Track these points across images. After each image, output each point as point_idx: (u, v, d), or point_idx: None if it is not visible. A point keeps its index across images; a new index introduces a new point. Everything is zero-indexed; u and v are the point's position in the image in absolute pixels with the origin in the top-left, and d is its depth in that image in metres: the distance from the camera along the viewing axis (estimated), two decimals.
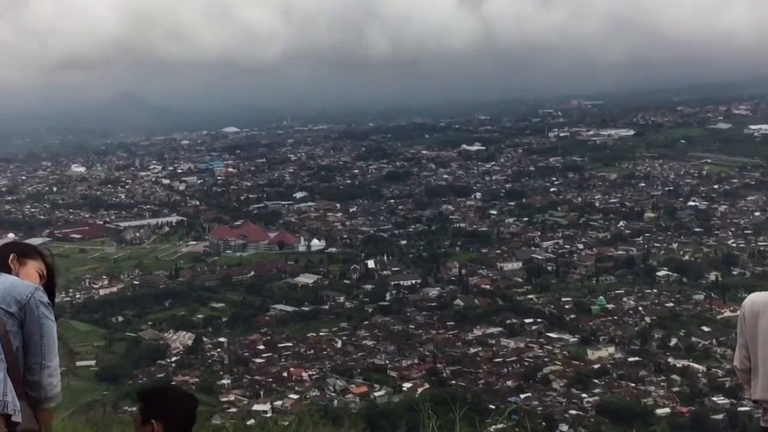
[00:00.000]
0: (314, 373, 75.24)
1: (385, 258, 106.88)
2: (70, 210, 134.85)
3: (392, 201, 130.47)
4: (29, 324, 6.06)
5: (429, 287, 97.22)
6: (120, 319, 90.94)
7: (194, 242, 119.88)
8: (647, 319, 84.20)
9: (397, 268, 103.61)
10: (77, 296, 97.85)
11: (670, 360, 74.40)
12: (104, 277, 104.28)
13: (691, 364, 72.79)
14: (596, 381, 70.54)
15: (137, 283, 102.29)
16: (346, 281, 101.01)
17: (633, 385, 69.57)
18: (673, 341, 78.28)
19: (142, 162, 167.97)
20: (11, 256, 6.50)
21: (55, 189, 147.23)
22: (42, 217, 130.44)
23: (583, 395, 67.35)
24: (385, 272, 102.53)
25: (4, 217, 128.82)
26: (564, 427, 61.30)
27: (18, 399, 5.90)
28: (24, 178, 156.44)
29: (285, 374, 74.54)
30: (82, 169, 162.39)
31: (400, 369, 75.40)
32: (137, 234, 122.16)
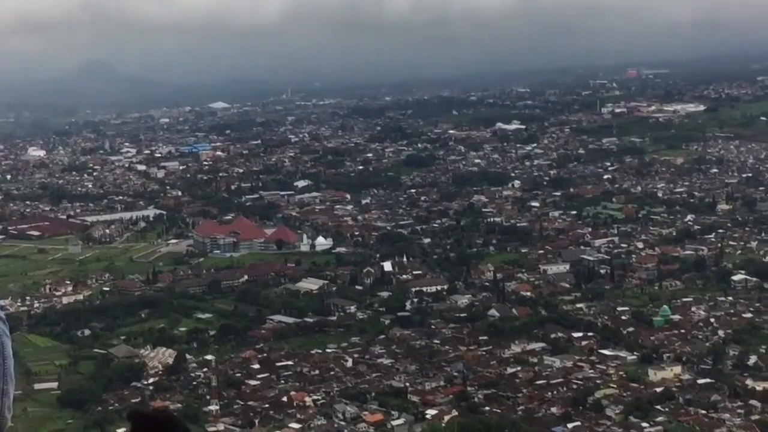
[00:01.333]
0: (320, 397, 75.28)
1: (405, 259, 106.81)
2: (27, 202, 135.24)
3: (413, 191, 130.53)
4: None
5: (458, 294, 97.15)
6: (87, 332, 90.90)
7: (175, 240, 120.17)
8: (721, 332, 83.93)
9: (420, 272, 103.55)
10: (35, 305, 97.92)
11: (749, 382, 73.96)
12: (68, 282, 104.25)
13: None
14: (659, 407, 70.30)
15: (107, 289, 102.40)
16: (357, 287, 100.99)
17: (704, 412, 69.24)
18: (752, 360, 77.86)
19: (112, 144, 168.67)
20: None
21: (8, 177, 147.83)
22: None
23: (644, 424, 67.20)
24: (404, 276, 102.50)
25: None
26: None
27: None
28: None
29: (285, 399, 74.56)
30: (41, 153, 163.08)
31: (423, 393, 75.36)
32: (107, 231, 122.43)
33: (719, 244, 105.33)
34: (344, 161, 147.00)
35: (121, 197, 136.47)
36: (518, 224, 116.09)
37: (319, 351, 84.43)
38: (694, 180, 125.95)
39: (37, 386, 79.03)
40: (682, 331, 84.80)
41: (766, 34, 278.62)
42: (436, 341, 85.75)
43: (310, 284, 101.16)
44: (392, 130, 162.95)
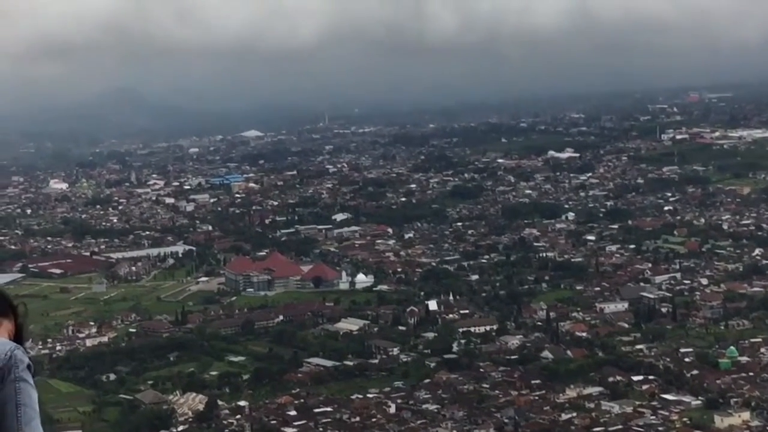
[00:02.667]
0: None
1: (451, 298, 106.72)
2: (49, 238, 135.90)
3: (460, 224, 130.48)
4: (5, 390, 6.03)
5: (508, 335, 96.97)
6: (112, 377, 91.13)
7: (206, 278, 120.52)
8: None
9: (467, 311, 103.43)
10: (58, 348, 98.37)
11: None
12: (92, 323, 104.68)
13: None
14: None
15: (134, 330, 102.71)
16: (400, 328, 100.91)
17: None
18: None
19: (139, 176, 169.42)
20: None
21: (29, 211, 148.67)
22: (13, 246, 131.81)
23: None
24: (451, 316, 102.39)
25: None
26: None
27: None
28: None
29: None
30: (64, 186, 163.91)
31: None
32: (133, 268, 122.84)
33: None
34: (386, 193, 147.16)
35: (148, 232, 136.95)
36: (573, 259, 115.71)
37: (360, 396, 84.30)
38: (762, 211, 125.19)
39: None
40: (751, 374, 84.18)
41: None
42: (485, 385, 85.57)
43: (350, 325, 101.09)
44: (437, 159, 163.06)
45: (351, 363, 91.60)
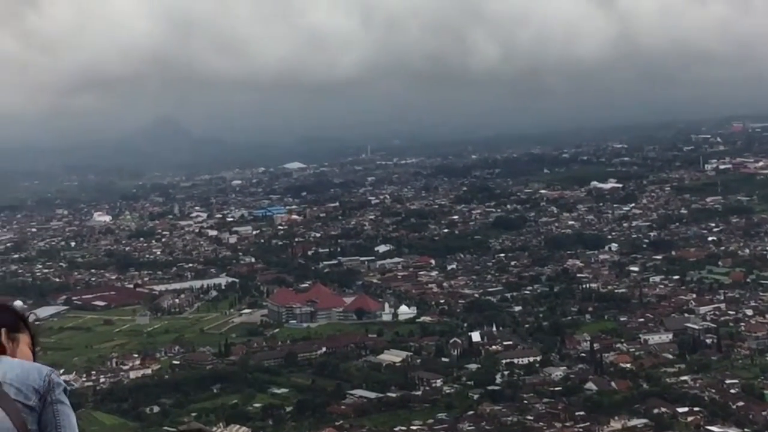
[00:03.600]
0: None
1: (494, 329, 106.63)
2: (92, 270, 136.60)
3: (502, 255, 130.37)
4: (45, 413, 6.13)
5: (552, 366, 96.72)
6: (156, 409, 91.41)
7: (249, 310, 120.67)
8: None
9: (510, 342, 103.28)
10: (101, 380, 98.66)
11: None
12: (135, 355, 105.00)
13: None
14: None
15: (177, 363, 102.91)
16: (443, 359, 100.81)
17: None
18: None
19: (182, 208, 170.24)
20: (2, 333, 6.55)
21: (73, 244, 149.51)
22: (57, 279, 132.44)
23: None
24: (494, 347, 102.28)
25: (9, 279, 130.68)
26: None
27: None
28: (34, 230, 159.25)
29: None
30: (107, 218, 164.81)
31: None
32: (176, 300, 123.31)
33: None
34: (428, 224, 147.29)
35: (191, 264, 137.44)
36: (616, 290, 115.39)
37: (403, 428, 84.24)
38: None
39: None
40: None
41: None
42: (529, 417, 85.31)
43: (393, 356, 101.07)
44: (479, 190, 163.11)
45: (394, 395, 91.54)
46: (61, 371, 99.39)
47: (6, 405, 6.00)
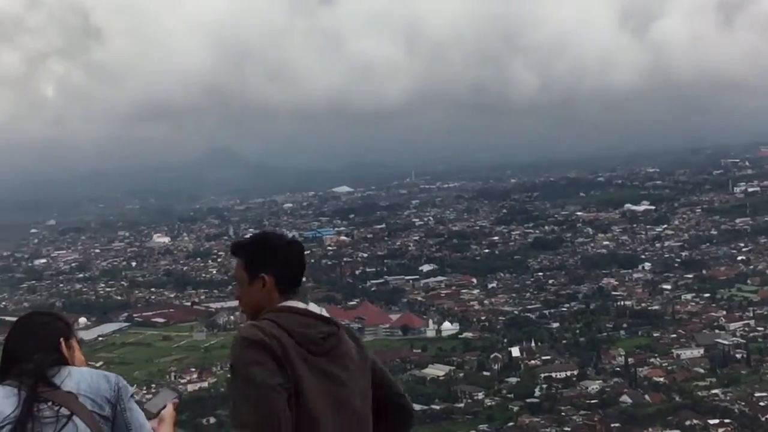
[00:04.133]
0: None
1: (533, 344, 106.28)
2: (152, 289, 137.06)
3: (540, 274, 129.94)
4: (117, 421, 6.14)
5: (588, 380, 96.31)
6: (212, 420, 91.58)
7: None
8: None
9: (548, 357, 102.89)
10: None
11: None
12: (193, 369, 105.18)
13: None
14: None
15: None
16: (485, 373, 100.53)
17: None
18: None
19: (236, 230, 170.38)
20: (62, 343, 6.43)
21: (134, 264, 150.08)
22: (118, 297, 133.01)
23: None
24: (533, 362, 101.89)
25: (74, 298, 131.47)
26: None
27: None
28: (97, 251, 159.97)
29: None
30: (166, 240, 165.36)
31: None
32: (231, 317, 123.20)
33: None
34: (470, 245, 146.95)
35: None
36: (649, 308, 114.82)
37: None
38: None
39: None
40: None
41: None
42: (566, 429, 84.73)
43: (437, 370, 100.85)
44: (518, 212, 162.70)
45: (438, 407, 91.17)
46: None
47: (86, 418, 5.99)
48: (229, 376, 7.18)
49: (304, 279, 7.48)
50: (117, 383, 6.12)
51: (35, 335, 6.25)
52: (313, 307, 7.19)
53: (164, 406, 6.63)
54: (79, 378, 6.08)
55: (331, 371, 6.61)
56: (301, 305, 6.99)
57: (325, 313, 7.12)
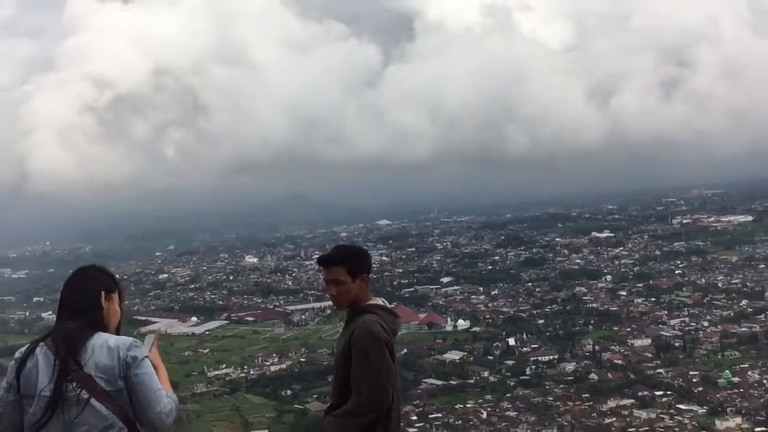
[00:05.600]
0: None
1: (525, 336, 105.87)
2: (245, 296, 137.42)
3: (530, 284, 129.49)
4: (130, 388, 5.96)
5: (565, 362, 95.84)
6: (288, 392, 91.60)
7: None
8: None
9: (536, 345, 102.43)
10: (251, 372, 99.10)
11: None
12: (274, 355, 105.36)
13: None
14: None
15: (303, 360, 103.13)
16: (489, 357, 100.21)
17: None
18: None
19: (306, 252, 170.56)
20: (102, 294, 6.30)
21: (231, 277, 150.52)
22: (220, 302, 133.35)
23: None
24: (524, 349, 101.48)
25: (188, 302, 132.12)
26: None
27: None
28: (205, 268, 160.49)
29: None
30: (255, 260, 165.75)
31: None
32: (303, 317, 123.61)
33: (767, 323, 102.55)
34: (477, 262, 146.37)
35: (312, 291, 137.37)
36: (610, 308, 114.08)
37: (461, 406, 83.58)
38: (746, 274, 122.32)
39: None
40: (741, 390, 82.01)
41: None
42: (549, 398, 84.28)
43: (454, 355, 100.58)
44: (513, 239, 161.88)
45: (454, 382, 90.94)
46: (224, 366, 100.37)
47: (102, 399, 5.81)
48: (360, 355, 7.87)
49: None
50: (125, 358, 5.88)
51: (81, 286, 6.09)
52: (386, 304, 8.33)
53: (150, 349, 6.31)
54: (98, 358, 5.85)
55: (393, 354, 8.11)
56: (387, 304, 8.24)
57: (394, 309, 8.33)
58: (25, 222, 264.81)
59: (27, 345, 5.87)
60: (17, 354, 5.87)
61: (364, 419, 7.91)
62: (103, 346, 5.85)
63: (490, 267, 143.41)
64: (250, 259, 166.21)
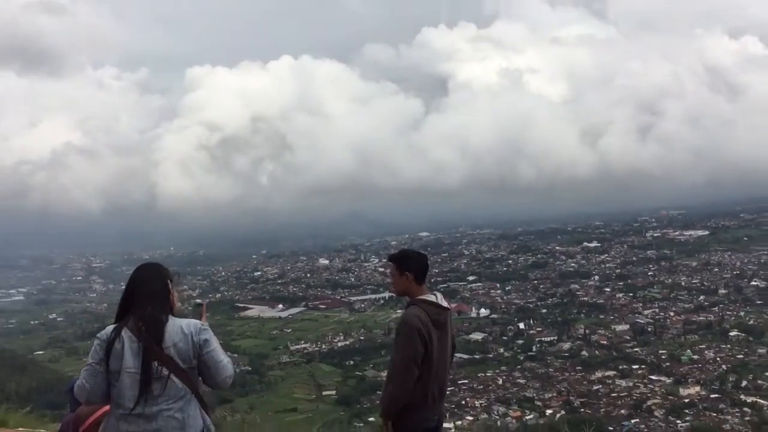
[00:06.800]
0: (483, 402, 74.15)
1: (531, 322, 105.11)
2: (318, 289, 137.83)
3: (535, 282, 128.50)
4: (201, 363, 5.81)
5: (562, 342, 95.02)
6: (351, 362, 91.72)
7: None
8: (723, 366, 79.81)
9: (540, 329, 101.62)
10: (323, 347, 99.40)
11: (742, 396, 69.98)
12: (340, 334, 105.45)
13: (758, 400, 68.40)
14: (687, 411, 67.15)
15: (362, 338, 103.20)
16: (504, 338, 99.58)
17: (714, 414, 65.75)
18: (744, 383, 73.79)
19: (365, 256, 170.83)
20: (168, 282, 5.97)
21: (308, 275, 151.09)
22: (300, 293, 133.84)
23: (678, 421, 64.08)
24: (531, 332, 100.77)
25: (276, 293, 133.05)
26: None
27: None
28: (288, 267, 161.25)
29: (463, 402, 73.64)
30: (326, 262, 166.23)
31: (544, 400, 73.62)
32: (362, 305, 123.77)
33: (721, 314, 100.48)
34: (495, 265, 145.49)
35: (370, 286, 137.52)
36: (597, 301, 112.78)
37: (482, 374, 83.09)
38: (704, 275, 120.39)
39: (324, 393, 79.89)
40: (699, 365, 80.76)
41: (745, 189, 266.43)
42: (550, 369, 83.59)
43: (477, 336, 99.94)
44: (522, 247, 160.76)
45: (477, 356, 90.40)
46: (302, 342, 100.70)
47: (180, 375, 5.63)
48: (393, 336, 7.75)
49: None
50: (198, 342, 5.72)
51: (155, 278, 5.86)
52: (439, 298, 8.04)
53: (200, 317, 6.12)
54: (175, 339, 5.67)
55: (442, 337, 7.60)
56: (432, 298, 7.91)
57: (442, 301, 7.92)
58: (155, 232, 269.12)
59: (112, 328, 5.62)
60: (102, 335, 5.65)
61: (389, 411, 7.44)
62: (178, 332, 5.70)
63: (504, 269, 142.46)
64: (323, 261, 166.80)
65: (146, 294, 5.77)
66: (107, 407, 6.03)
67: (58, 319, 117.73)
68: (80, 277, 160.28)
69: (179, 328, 5.74)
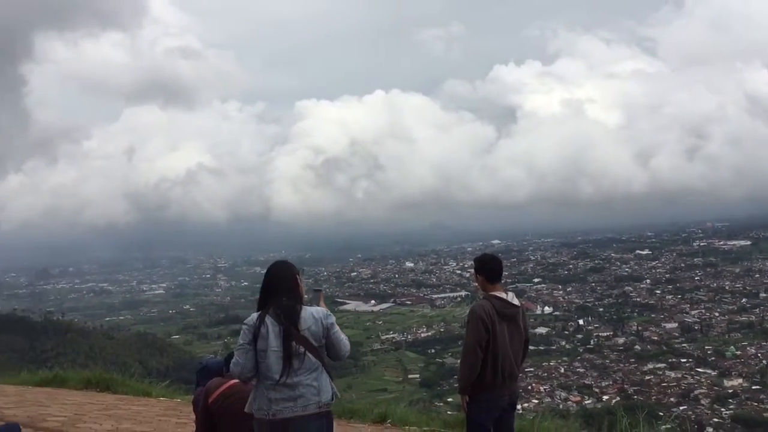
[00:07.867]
0: (547, 388, 72.72)
1: (590, 319, 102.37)
2: (405, 288, 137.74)
3: (593, 284, 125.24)
4: (328, 342, 6.05)
5: (617, 337, 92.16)
6: (433, 350, 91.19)
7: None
8: (764, 361, 76.15)
9: (597, 325, 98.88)
10: (408, 337, 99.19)
11: None
12: (424, 326, 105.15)
13: None
14: (730, 401, 64.43)
15: (442, 330, 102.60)
16: (565, 332, 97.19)
17: (756, 404, 62.94)
18: None
19: (444, 260, 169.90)
20: (297, 276, 6.13)
21: (396, 276, 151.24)
22: (389, 291, 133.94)
23: (722, 410, 61.58)
24: (589, 327, 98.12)
25: (369, 291, 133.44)
26: (710, 429, 56.11)
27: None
28: (379, 269, 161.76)
29: (530, 388, 72.30)
30: (412, 265, 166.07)
31: (601, 387, 71.82)
32: (442, 302, 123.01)
33: (761, 315, 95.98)
34: (558, 269, 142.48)
35: (449, 286, 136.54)
36: (649, 302, 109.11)
37: (546, 364, 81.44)
38: (746, 280, 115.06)
39: (409, 376, 79.76)
40: (742, 360, 77.26)
41: None
42: (607, 361, 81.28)
43: (542, 330, 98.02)
44: (582, 254, 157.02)
45: (542, 348, 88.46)
46: (391, 332, 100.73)
47: (313, 352, 5.87)
48: (464, 325, 7.64)
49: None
50: (326, 326, 5.94)
51: (287, 273, 6.02)
52: (509, 296, 8.00)
53: (319, 301, 6.37)
54: (308, 323, 5.88)
55: (510, 328, 7.45)
56: (502, 295, 7.91)
57: (513, 299, 7.88)
58: (269, 239, 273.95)
59: (257, 315, 5.88)
60: (249, 321, 5.88)
61: (464, 387, 7.61)
62: (310, 317, 5.96)
63: (566, 272, 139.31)
64: (409, 264, 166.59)
65: (282, 286, 6.02)
66: (233, 381, 6.34)
67: (191, 309, 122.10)
68: (208, 275, 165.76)
69: (311, 314, 6.00)
